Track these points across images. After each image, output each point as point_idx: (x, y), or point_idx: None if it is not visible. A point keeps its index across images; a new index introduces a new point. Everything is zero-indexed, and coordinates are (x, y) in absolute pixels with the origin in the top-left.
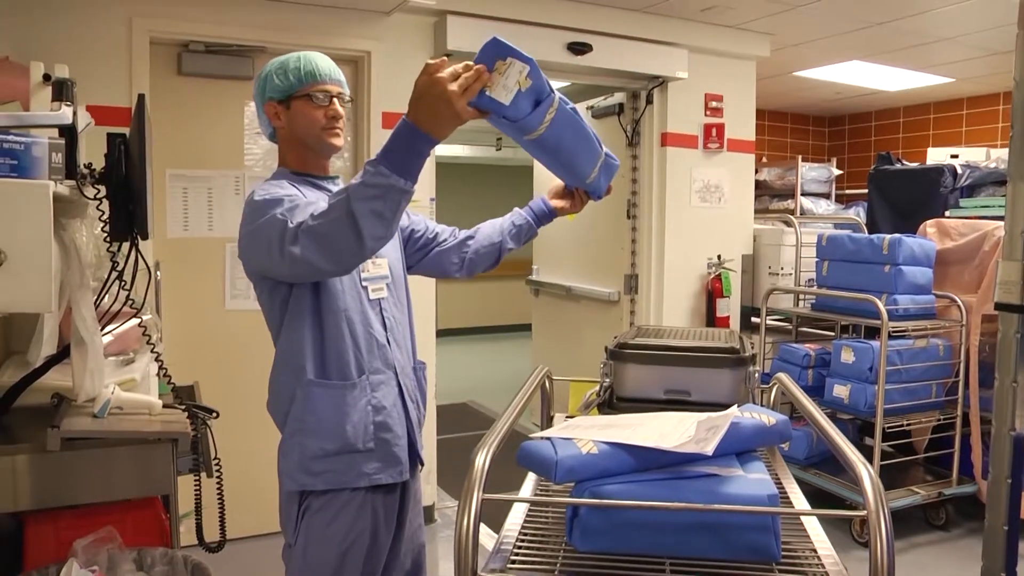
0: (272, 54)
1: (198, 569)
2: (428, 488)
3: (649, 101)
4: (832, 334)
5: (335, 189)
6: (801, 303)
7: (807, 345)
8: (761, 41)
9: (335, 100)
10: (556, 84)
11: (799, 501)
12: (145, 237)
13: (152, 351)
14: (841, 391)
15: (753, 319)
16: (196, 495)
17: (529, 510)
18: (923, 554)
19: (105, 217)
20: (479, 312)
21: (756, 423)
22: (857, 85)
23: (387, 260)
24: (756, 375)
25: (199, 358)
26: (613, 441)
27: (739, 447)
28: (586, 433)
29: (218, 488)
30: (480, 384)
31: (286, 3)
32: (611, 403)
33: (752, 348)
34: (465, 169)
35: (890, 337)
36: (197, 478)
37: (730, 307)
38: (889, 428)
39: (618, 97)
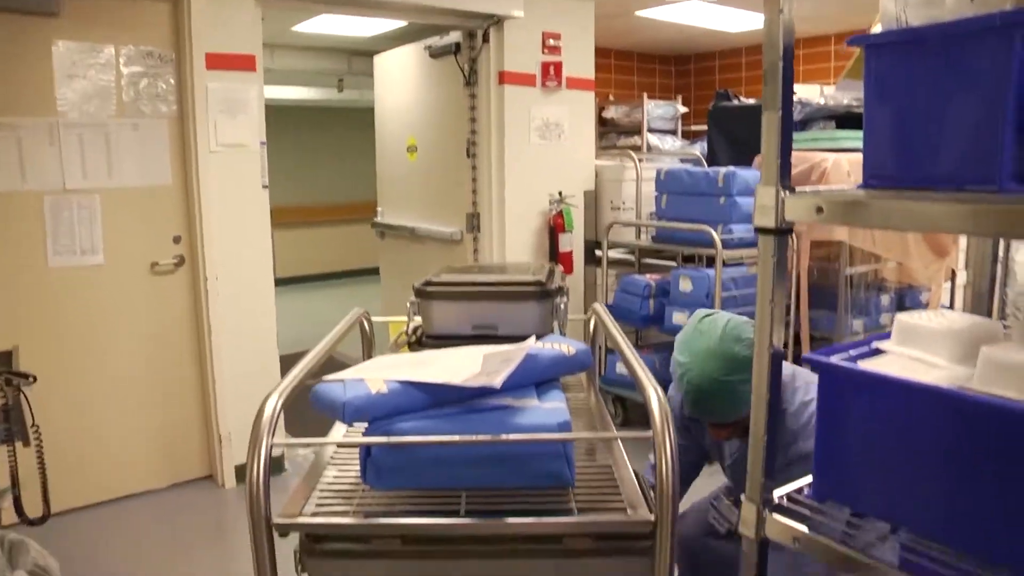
0: None
1: (17, 546)
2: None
3: (486, 40)
4: (675, 264)
5: None
6: (642, 236)
7: (649, 276)
8: None
9: None
10: (391, 23)
11: (606, 426)
12: None
13: None
14: (680, 318)
15: (596, 252)
16: (11, 467)
17: (335, 453)
18: None
19: None
20: (323, 258)
21: (554, 353)
22: (699, 26)
23: None
24: (564, 306)
25: (19, 320)
26: (404, 379)
27: (537, 377)
28: (380, 372)
29: (38, 458)
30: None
31: None
32: (421, 341)
33: (562, 280)
34: (302, 112)
35: (725, 265)
36: (12, 449)
37: (573, 242)
38: None
39: (454, 36)
